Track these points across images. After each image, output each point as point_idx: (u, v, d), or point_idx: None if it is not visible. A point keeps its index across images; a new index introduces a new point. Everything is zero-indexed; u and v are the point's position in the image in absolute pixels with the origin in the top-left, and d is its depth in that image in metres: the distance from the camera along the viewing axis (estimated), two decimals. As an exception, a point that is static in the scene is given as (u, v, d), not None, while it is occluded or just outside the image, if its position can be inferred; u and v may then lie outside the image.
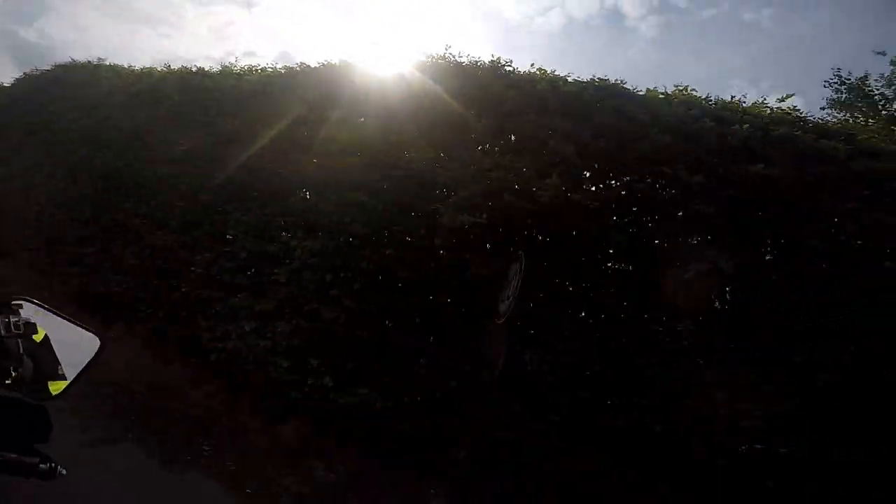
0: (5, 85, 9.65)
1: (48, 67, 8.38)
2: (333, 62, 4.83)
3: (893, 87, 8.09)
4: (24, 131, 7.74)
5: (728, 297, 3.42)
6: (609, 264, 3.72)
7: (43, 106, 7.54)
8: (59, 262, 6.08)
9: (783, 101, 3.79)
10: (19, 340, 0.70)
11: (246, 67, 5.52)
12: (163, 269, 5.00)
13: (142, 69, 6.73)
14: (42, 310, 0.75)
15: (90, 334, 0.77)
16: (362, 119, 4.31)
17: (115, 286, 5.32)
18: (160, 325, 4.94)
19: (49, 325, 0.74)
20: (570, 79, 3.99)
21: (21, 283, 5.75)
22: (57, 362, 0.74)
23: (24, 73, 9.06)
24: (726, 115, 3.61)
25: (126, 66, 7.00)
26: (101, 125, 6.24)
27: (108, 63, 7.39)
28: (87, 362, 0.74)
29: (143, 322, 5.05)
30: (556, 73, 4.06)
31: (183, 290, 4.72)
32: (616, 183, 3.64)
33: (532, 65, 4.17)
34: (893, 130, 4.63)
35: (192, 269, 4.71)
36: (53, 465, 0.69)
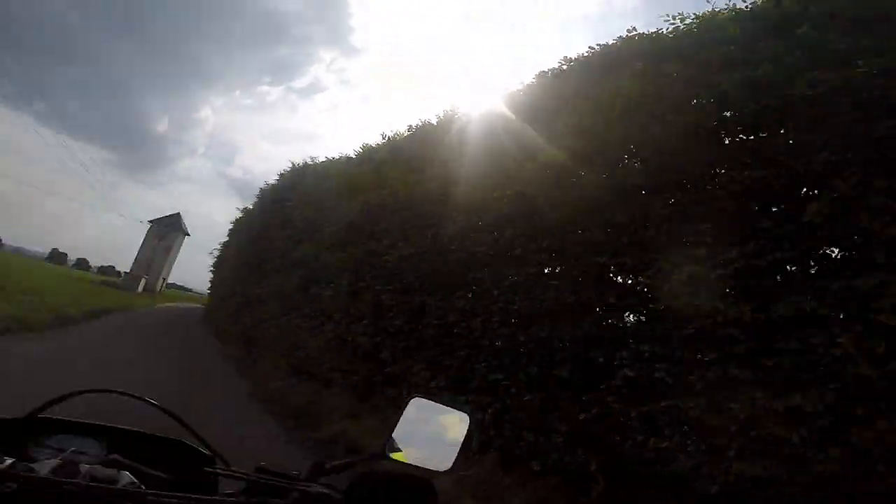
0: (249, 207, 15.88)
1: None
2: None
3: None
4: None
5: None
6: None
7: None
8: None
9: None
10: None
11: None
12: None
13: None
14: (427, 401, 0.88)
15: (462, 413, 0.88)
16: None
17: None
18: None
19: (432, 411, 0.88)
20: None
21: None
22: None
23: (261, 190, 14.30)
24: None
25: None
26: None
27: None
28: (463, 437, 0.86)
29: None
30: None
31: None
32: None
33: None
34: None
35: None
36: None
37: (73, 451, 0.71)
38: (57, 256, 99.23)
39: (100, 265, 75.48)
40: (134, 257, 39.00)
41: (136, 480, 0.66)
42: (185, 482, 0.73)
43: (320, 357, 6.75)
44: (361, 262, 6.36)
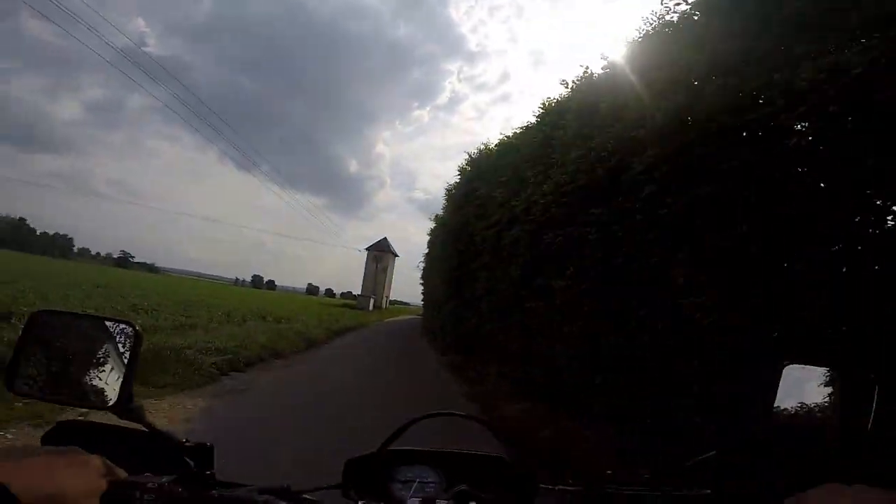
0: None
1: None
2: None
3: None
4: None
5: None
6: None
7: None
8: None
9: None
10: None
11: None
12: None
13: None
14: (66, 315, 0.74)
15: (125, 324, 0.69)
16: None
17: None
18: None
19: (82, 327, 0.73)
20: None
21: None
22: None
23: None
24: None
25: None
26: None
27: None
28: (130, 353, 0.66)
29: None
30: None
31: None
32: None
33: None
34: None
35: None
36: None
37: (420, 482, 0.74)
38: (311, 289, 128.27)
39: (342, 291, 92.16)
40: (361, 281, 46.39)
41: None
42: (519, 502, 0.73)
43: (564, 368, 5.11)
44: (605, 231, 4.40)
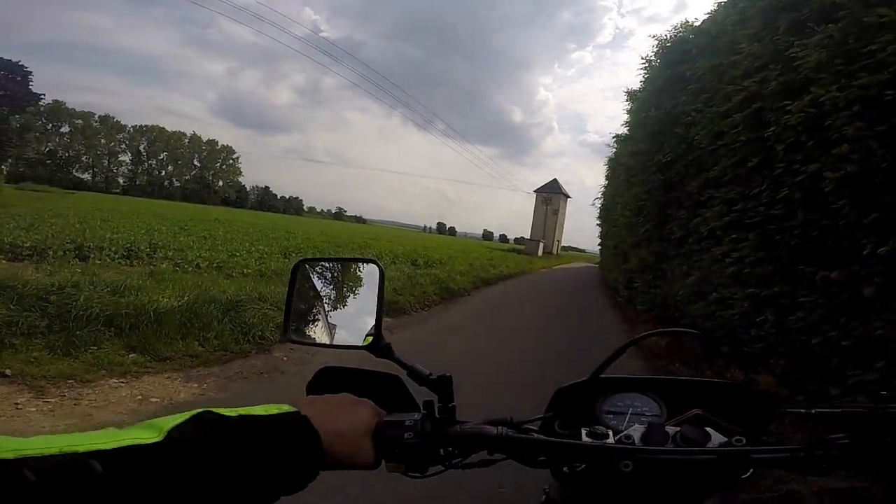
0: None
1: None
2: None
3: None
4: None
5: None
6: None
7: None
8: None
9: None
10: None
11: None
12: None
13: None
14: (321, 262, 0.78)
15: (369, 263, 0.73)
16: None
17: None
18: None
19: (334, 271, 0.78)
20: None
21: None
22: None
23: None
24: None
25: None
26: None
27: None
28: (378, 291, 0.68)
29: None
30: None
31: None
32: None
33: None
34: None
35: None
36: None
37: (633, 413, 0.69)
38: (486, 235, 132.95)
39: (515, 237, 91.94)
40: (530, 225, 43.08)
41: (726, 438, 0.56)
42: (755, 429, 0.63)
43: None
44: None
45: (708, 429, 0.57)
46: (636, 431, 0.58)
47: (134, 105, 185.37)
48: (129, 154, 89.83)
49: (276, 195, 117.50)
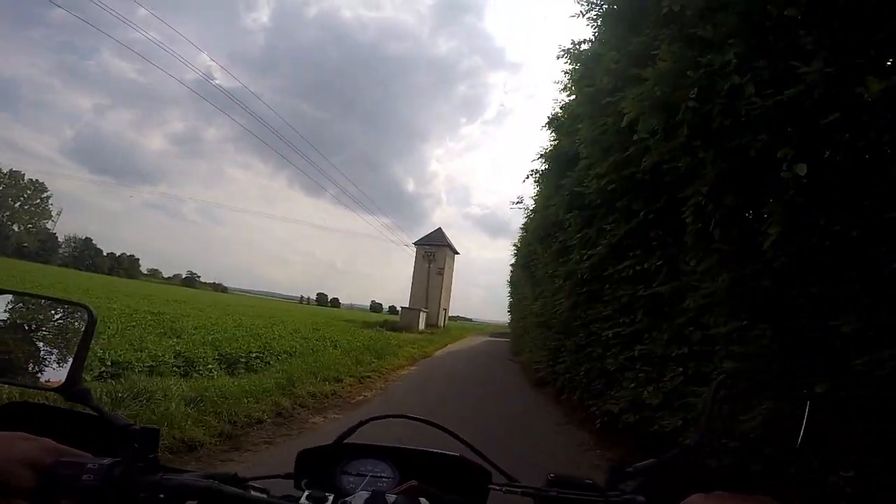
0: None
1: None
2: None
3: None
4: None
5: None
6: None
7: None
8: None
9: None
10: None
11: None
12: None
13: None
14: (23, 296, 0.72)
15: (80, 308, 0.70)
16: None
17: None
18: None
19: (37, 309, 0.73)
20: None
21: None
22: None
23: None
24: None
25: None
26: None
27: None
28: (83, 335, 0.67)
29: None
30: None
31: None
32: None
33: None
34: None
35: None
36: None
37: (371, 477, 0.75)
38: (374, 306, 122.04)
39: (390, 305, 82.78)
40: (409, 289, 33.87)
41: None
42: (469, 500, 0.74)
43: None
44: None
45: (422, 499, 0.64)
46: (360, 498, 0.60)
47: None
48: None
49: (100, 250, 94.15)
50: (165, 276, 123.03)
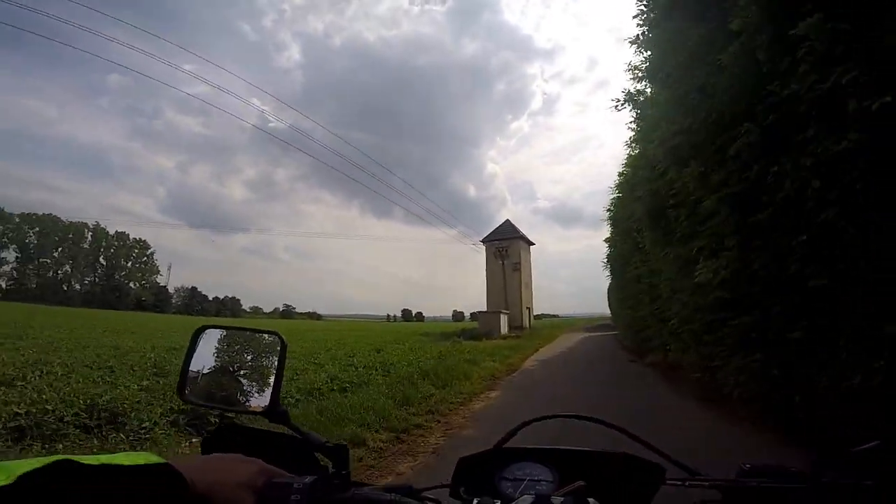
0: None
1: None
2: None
3: None
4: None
5: None
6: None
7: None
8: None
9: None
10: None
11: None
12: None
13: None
14: (223, 330, 0.80)
15: (272, 335, 0.77)
16: None
17: None
18: None
19: (237, 340, 0.80)
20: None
21: None
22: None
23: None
24: None
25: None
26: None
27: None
28: (279, 360, 0.74)
29: None
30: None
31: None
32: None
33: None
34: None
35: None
36: None
37: (530, 480, 0.73)
38: (457, 315, 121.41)
39: (471, 312, 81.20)
40: (485, 293, 30.81)
41: None
42: (640, 498, 0.71)
43: None
44: None
45: (591, 499, 0.61)
46: (525, 502, 0.60)
47: (82, 203, 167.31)
48: (15, 249, 73.66)
49: (206, 296, 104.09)
50: (266, 311, 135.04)
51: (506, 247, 30.49)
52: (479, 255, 31.86)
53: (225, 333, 0.78)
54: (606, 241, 17.26)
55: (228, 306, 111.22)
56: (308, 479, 0.55)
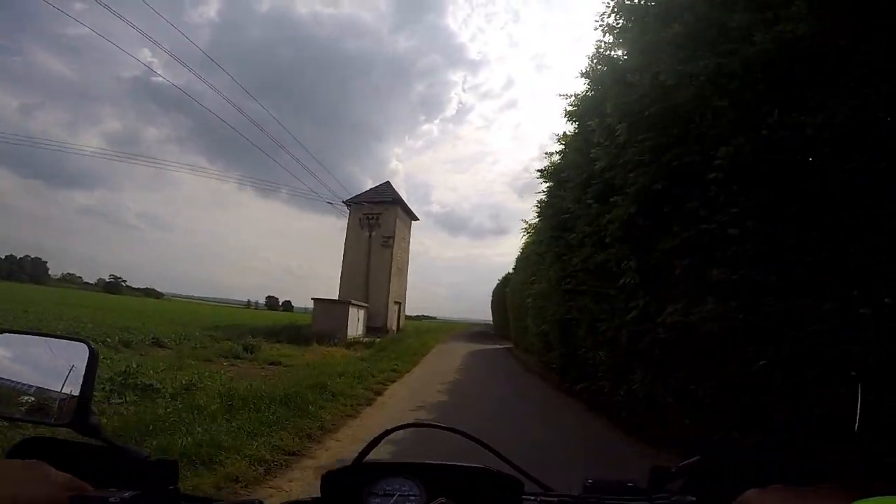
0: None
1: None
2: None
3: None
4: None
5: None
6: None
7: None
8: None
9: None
10: None
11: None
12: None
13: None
14: (17, 335, 0.71)
15: (78, 342, 0.68)
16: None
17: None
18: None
19: (33, 346, 0.71)
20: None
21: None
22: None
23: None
24: None
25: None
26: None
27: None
28: (86, 370, 0.64)
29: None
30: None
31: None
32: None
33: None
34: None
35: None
36: None
37: (399, 496, 0.70)
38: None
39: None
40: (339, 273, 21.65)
41: None
42: None
43: None
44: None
45: None
46: None
47: None
48: None
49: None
50: (86, 281, 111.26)
51: (377, 214, 21.86)
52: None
53: (26, 338, 0.71)
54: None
55: (27, 269, 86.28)
56: (128, 494, 0.52)
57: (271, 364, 10.19)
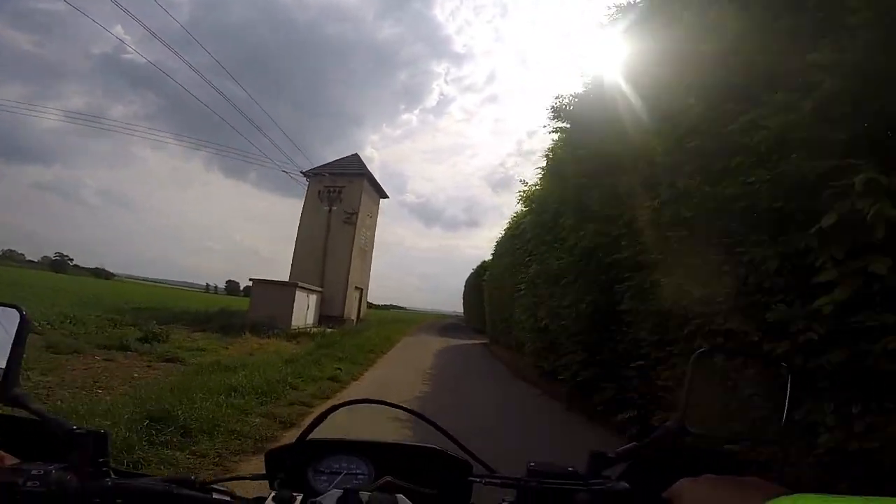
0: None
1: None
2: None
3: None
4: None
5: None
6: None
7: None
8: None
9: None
10: None
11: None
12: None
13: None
14: None
15: (8, 307, 0.63)
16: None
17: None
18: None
19: None
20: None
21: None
22: None
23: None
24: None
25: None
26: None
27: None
28: (15, 337, 0.60)
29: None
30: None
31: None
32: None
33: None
34: None
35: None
36: None
37: (346, 475, 0.71)
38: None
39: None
40: (292, 253, 18.64)
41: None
42: (448, 494, 0.70)
43: None
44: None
45: (399, 496, 0.59)
46: (331, 497, 0.57)
47: None
48: None
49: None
50: (30, 259, 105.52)
51: (340, 187, 18.88)
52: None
53: None
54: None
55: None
56: (53, 466, 0.51)
57: (166, 361, 7.39)
